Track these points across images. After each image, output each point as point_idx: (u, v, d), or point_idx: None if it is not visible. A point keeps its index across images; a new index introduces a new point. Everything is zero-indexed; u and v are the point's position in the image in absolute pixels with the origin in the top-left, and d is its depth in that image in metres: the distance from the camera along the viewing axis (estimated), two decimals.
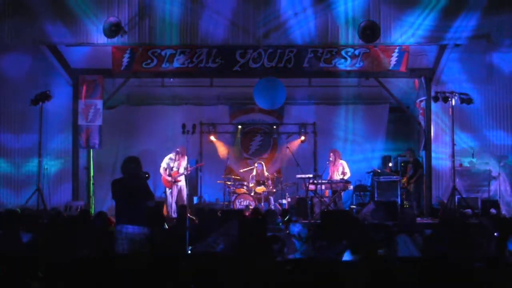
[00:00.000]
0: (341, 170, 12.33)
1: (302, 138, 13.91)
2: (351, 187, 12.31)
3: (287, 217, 9.38)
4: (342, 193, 12.29)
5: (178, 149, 11.91)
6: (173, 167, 11.89)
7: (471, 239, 5.60)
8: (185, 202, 11.51)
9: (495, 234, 6.11)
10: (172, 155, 11.99)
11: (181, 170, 11.86)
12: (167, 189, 12.00)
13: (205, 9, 10.95)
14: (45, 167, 11.45)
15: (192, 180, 13.05)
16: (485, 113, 11.90)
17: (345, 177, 12.19)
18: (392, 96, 12.33)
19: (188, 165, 11.82)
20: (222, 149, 13.88)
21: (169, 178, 11.85)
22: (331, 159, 12.45)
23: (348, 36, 10.96)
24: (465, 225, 6.45)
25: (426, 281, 3.91)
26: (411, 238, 5.80)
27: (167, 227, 8.10)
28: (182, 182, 11.94)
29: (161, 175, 12.07)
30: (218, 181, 12.92)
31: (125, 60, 11.25)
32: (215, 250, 6.04)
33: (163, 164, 11.99)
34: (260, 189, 12.35)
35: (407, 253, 5.41)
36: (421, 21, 10.80)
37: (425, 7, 10.73)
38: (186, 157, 11.89)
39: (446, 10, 10.78)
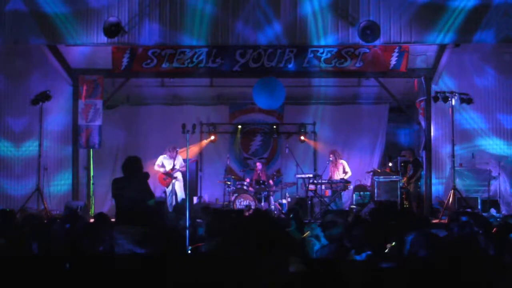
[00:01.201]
0: (342, 169, 12.43)
1: (302, 138, 13.92)
2: (351, 187, 12.35)
3: (290, 217, 9.35)
4: (342, 193, 12.34)
5: (177, 148, 11.92)
6: (171, 166, 11.90)
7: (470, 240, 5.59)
8: (181, 194, 11.58)
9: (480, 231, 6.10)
10: (166, 155, 12.00)
11: (177, 167, 11.89)
12: (166, 189, 12.01)
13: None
14: (45, 166, 11.45)
15: (192, 180, 13.05)
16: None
17: (346, 176, 12.24)
18: (392, 96, 12.34)
19: (183, 164, 11.81)
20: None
21: (162, 171, 11.84)
22: (331, 159, 12.49)
23: (349, 36, 10.93)
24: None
25: (426, 282, 3.91)
26: (423, 238, 5.72)
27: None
28: (179, 177, 11.97)
29: (157, 176, 12.07)
30: (219, 181, 12.94)
31: (125, 60, 11.25)
32: (215, 249, 6.03)
33: (157, 162, 12.00)
34: None
35: (418, 253, 5.35)
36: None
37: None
38: (180, 156, 11.94)
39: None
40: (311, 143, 14.10)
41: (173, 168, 11.86)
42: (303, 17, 10.81)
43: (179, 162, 11.93)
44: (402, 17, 10.64)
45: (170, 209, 11.72)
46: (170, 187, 11.93)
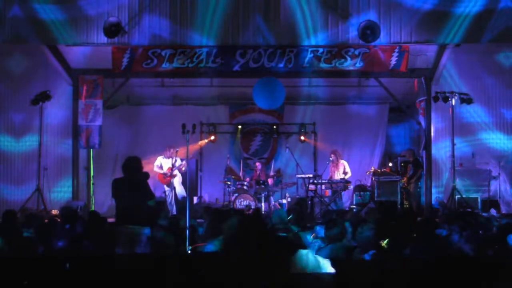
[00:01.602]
0: (342, 170, 12.42)
1: (302, 138, 13.91)
2: (351, 187, 12.35)
3: (290, 217, 9.35)
4: (342, 193, 12.35)
5: (176, 149, 11.96)
6: (169, 165, 11.94)
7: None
8: (180, 190, 11.76)
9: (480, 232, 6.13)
10: (163, 155, 12.05)
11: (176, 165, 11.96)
12: (165, 187, 12.02)
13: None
14: (45, 167, 11.44)
15: (192, 180, 13.05)
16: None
17: (346, 177, 12.25)
18: (392, 96, 12.34)
19: (184, 162, 11.84)
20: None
21: (162, 171, 11.91)
22: (331, 159, 12.50)
23: (349, 36, 10.94)
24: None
25: (427, 281, 3.91)
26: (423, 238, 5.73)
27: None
28: (178, 177, 12.03)
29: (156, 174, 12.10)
30: (219, 181, 12.93)
31: (125, 60, 11.25)
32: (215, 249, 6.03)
33: (156, 163, 12.06)
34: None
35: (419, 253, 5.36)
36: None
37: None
38: (178, 157, 12.00)
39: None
40: (311, 143, 14.10)
41: (172, 166, 11.88)
42: (303, 17, 10.82)
43: (177, 161, 11.98)
44: (404, 19, 10.68)
45: (169, 207, 11.77)
46: (171, 185, 11.97)
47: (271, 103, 12.15)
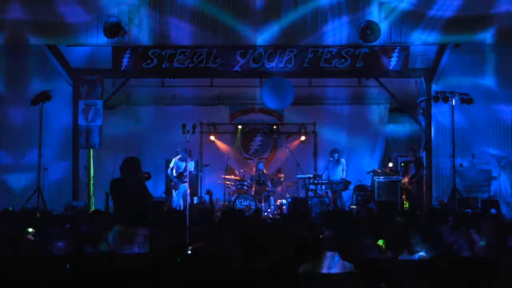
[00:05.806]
0: (341, 168, 12.46)
1: (302, 138, 13.92)
2: (351, 187, 12.36)
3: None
4: (342, 193, 12.36)
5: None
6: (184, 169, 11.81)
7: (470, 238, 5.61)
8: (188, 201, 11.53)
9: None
10: (180, 156, 11.85)
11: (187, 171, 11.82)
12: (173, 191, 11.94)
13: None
14: (45, 167, 11.43)
15: (193, 180, 13.04)
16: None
17: (344, 175, 12.32)
18: (392, 96, 12.34)
19: (192, 167, 11.76)
20: (223, 147, 13.92)
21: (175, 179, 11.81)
22: (331, 159, 12.52)
23: (349, 36, 10.95)
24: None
25: (425, 280, 3.92)
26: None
27: None
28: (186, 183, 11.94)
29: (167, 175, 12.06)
30: (219, 181, 12.93)
31: (125, 60, 11.26)
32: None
33: (171, 165, 11.93)
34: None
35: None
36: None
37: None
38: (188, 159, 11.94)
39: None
40: (311, 143, 14.10)
41: (184, 171, 11.72)
42: (303, 17, 10.84)
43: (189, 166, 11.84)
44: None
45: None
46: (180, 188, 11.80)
47: (281, 103, 12.17)
